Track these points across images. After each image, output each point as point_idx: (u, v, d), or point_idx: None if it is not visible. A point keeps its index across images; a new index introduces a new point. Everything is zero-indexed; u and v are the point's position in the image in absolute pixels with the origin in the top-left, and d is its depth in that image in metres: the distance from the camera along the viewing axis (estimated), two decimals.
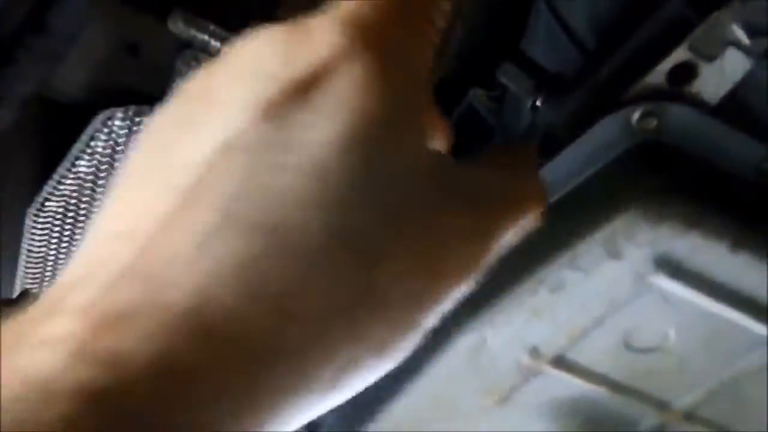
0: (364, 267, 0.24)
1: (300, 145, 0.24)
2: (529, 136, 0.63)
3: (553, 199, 0.56)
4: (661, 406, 0.63)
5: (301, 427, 0.26)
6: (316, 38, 0.26)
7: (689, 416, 0.64)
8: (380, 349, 0.25)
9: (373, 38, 0.27)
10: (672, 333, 0.57)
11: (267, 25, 0.28)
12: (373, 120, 0.25)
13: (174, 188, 0.23)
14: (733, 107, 0.53)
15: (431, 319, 0.28)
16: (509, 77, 0.67)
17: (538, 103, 0.62)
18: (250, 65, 0.26)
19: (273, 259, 0.23)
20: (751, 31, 0.47)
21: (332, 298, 0.23)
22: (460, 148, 0.90)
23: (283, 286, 0.23)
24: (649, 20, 0.51)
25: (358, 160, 0.24)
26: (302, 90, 0.25)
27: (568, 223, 0.54)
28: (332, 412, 0.73)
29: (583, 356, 0.59)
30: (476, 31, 0.79)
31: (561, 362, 0.60)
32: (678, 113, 0.50)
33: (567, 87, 0.59)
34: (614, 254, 0.51)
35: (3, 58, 0.54)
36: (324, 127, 0.24)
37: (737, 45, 0.48)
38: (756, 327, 0.55)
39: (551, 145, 0.57)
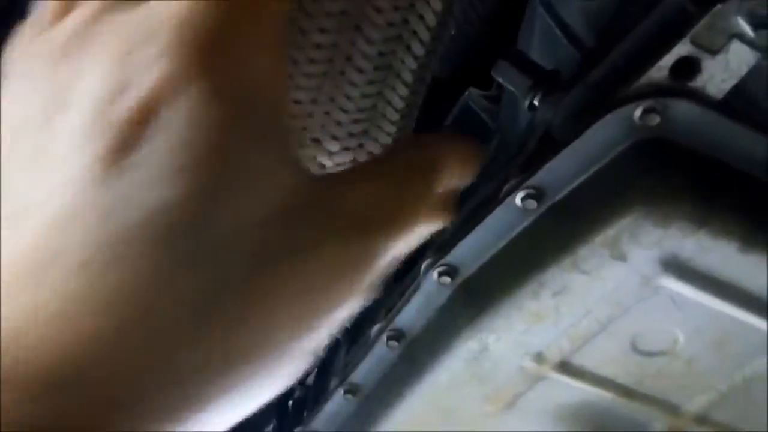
0: (206, 321, 0.24)
1: (136, 207, 0.23)
2: (527, 137, 0.62)
3: (555, 200, 0.54)
4: (671, 410, 0.62)
5: None
6: (142, 64, 0.24)
7: (700, 420, 0.62)
8: (257, 383, 0.26)
9: (208, 58, 0.24)
10: (681, 336, 0.55)
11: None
12: (212, 167, 0.23)
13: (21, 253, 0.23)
14: (741, 102, 0.51)
15: (310, 346, 0.28)
16: (504, 75, 0.65)
17: (535, 101, 0.60)
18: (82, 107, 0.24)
19: (121, 332, 0.23)
20: (755, 23, 0.45)
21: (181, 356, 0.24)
22: None
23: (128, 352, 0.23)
24: (648, 14, 0.49)
25: (195, 219, 0.23)
26: (131, 135, 0.23)
27: (569, 225, 0.52)
28: (331, 420, 0.69)
29: (589, 361, 0.57)
30: (471, 29, 0.77)
31: (566, 367, 0.58)
32: (682, 109, 0.48)
33: (565, 85, 0.57)
34: (619, 256, 0.49)
35: None
36: (156, 183, 0.23)
37: (741, 38, 0.46)
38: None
39: (550, 145, 0.55)
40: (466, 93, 0.83)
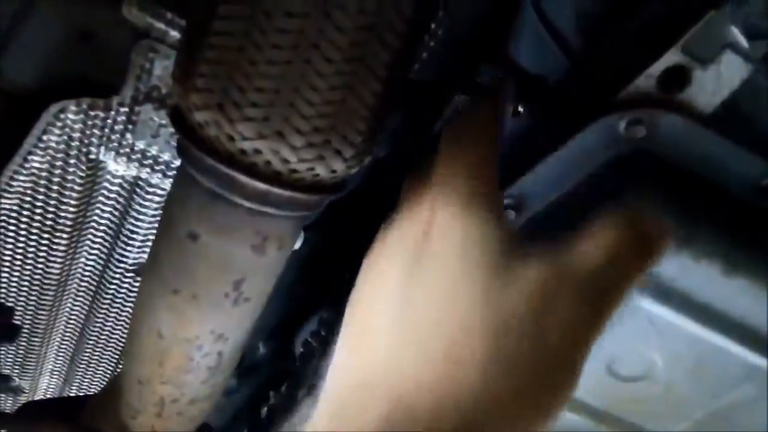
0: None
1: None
2: (510, 145, 0.59)
3: (532, 212, 0.51)
4: None
5: None
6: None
7: None
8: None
9: None
10: (659, 360, 0.52)
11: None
12: None
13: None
14: (730, 117, 0.48)
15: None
16: (488, 82, 0.63)
17: (519, 108, 0.58)
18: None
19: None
20: (750, 33, 0.43)
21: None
22: None
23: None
24: (639, 20, 0.47)
25: None
26: None
27: (547, 239, 0.50)
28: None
29: None
30: (459, 31, 0.75)
31: None
32: (669, 122, 0.46)
33: (550, 92, 0.54)
34: None
35: None
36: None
37: (735, 48, 0.43)
38: (749, 356, 0.51)
39: (533, 153, 0.52)
40: (456, 98, 0.80)
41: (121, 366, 0.99)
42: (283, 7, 0.36)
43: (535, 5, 0.66)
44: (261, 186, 0.42)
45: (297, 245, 0.82)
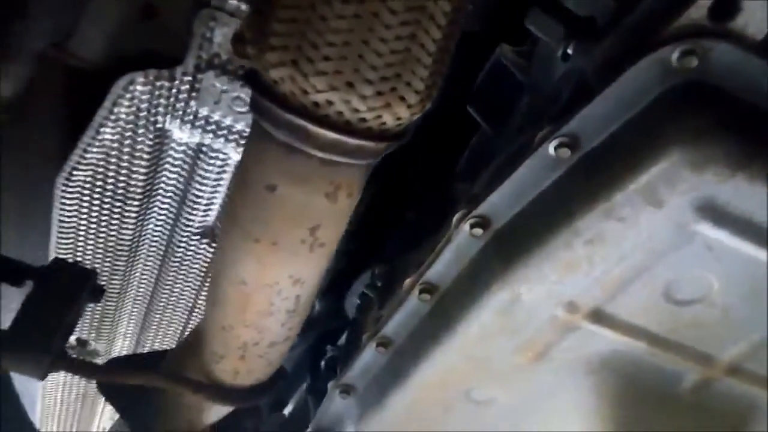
0: None
1: None
2: (560, 87, 0.61)
3: (589, 148, 0.53)
4: (704, 360, 0.61)
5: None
6: None
7: (733, 370, 0.62)
8: None
9: None
10: (716, 283, 0.54)
11: None
12: None
13: None
14: None
15: None
16: (537, 24, 0.64)
17: (569, 50, 0.59)
18: None
19: None
20: None
21: None
22: (490, 106, 0.87)
23: None
24: None
25: None
26: None
27: (604, 172, 0.52)
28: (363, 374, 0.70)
29: (621, 309, 0.57)
30: None
31: (598, 316, 0.58)
32: (721, 51, 0.47)
33: (599, 32, 0.56)
34: (655, 202, 0.49)
35: (15, 11, 0.54)
36: None
37: None
38: None
39: (585, 93, 0.54)
40: (498, 49, 0.81)
41: (197, 319, 1.04)
42: None
43: None
44: (333, 135, 0.45)
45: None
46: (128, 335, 1.19)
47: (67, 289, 0.68)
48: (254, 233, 0.52)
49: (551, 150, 0.54)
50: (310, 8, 0.41)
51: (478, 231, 0.60)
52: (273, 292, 0.55)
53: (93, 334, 1.17)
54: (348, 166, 0.49)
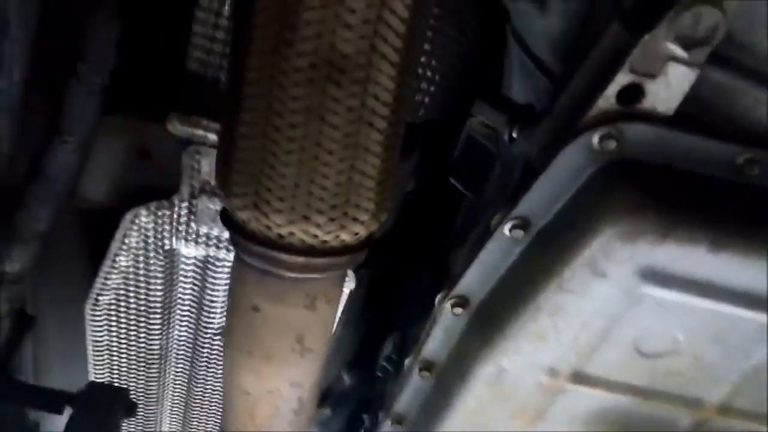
0: None
1: None
2: (512, 169, 0.66)
3: (538, 227, 0.58)
4: (693, 404, 0.64)
5: None
6: None
7: (724, 410, 0.64)
8: None
9: None
10: (680, 335, 0.58)
11: None
12: None
13: None
14: (699, 111, 0.54)
15: None
16: (483, 114, 0.70)
17: (513, 134, 0.65)
18: None
19: None
20: (686, 44, 0.49)
21: None
22: (468, 175, 0.93)
23: None
24: (594, 48, 0.53)
25: None
26: None
27: (554, 249, 0.57)
28: None
29: (599, 369, 0.61)
30: (453, 73, 0.83)
31: (580, 377, 0.62)
32: (635, 131, 0.52)
33: (537, 117, 0.61)
34: (599, 274, 0.53)
35: (15, 205, 0.62)
36: None
37: (677, 59, 0.49)
38: (761, 317, 0.55)
39: (531, 175, 0.59)
40: (467, 122, 0.87)
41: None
42: (288, 121, 0.45)
43: (516, 36, 0.73)
44: (300, 259, 0.52)
45: (351, 287, 0.92)
46: None
47: (103, 410, 0.75)
48: (247, 347, 0.58)
49: (506, 232, 0.59)
50: (261, 160, 0.48)
51: (459, 310, 0.65)
52: (276, 398, 0.61)
53: None
54: (320, 279, 0.55)
